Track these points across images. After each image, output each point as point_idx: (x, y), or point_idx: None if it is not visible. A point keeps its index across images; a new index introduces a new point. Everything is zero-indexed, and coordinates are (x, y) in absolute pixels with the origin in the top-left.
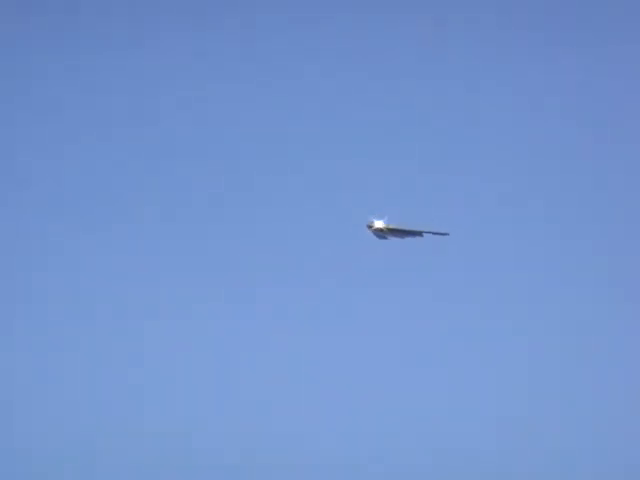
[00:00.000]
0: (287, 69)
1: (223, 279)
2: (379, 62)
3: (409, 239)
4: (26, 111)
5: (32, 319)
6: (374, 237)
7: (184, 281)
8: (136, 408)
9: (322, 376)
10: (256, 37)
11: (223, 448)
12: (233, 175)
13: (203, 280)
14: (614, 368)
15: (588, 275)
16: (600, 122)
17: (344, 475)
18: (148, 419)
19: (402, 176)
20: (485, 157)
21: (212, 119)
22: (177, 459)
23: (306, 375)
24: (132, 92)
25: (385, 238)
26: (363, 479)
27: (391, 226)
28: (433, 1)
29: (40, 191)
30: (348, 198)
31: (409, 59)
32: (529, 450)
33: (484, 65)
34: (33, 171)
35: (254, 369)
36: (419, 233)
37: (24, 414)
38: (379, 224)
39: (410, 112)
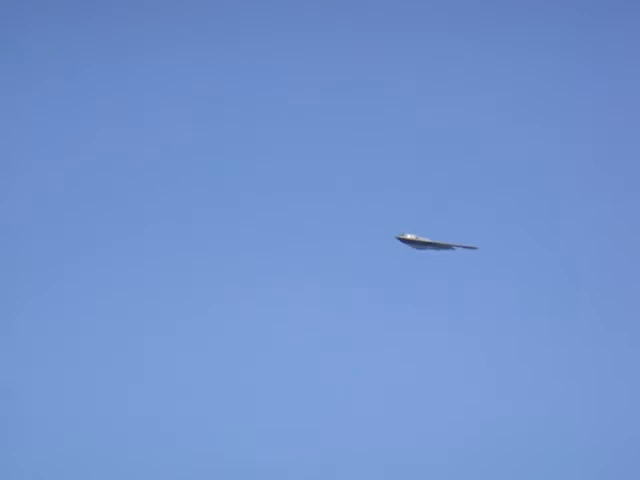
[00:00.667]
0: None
1: (252, 289)
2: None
3: (442, 251)
4: (26, 111)
5: (33, 319)
6: (402, 248)
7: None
8: (136, 408)
9: (337, 384)
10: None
11: (223, 448)
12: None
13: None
14: None
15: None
16: None
17: (344, 475)
18: (148, 419)
19: (434, 191)
20: (513, 172)
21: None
22: (177, 459)
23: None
24: (132, 93)
25: (424, 249)
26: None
27: (421, 238)
28: None
29: (40, 192)
30: (380, 210)
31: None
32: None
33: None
34: (33, 172)
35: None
36: (450, 246)
37: (24, 414)
38: (409, 236)
39: (442, 129)
